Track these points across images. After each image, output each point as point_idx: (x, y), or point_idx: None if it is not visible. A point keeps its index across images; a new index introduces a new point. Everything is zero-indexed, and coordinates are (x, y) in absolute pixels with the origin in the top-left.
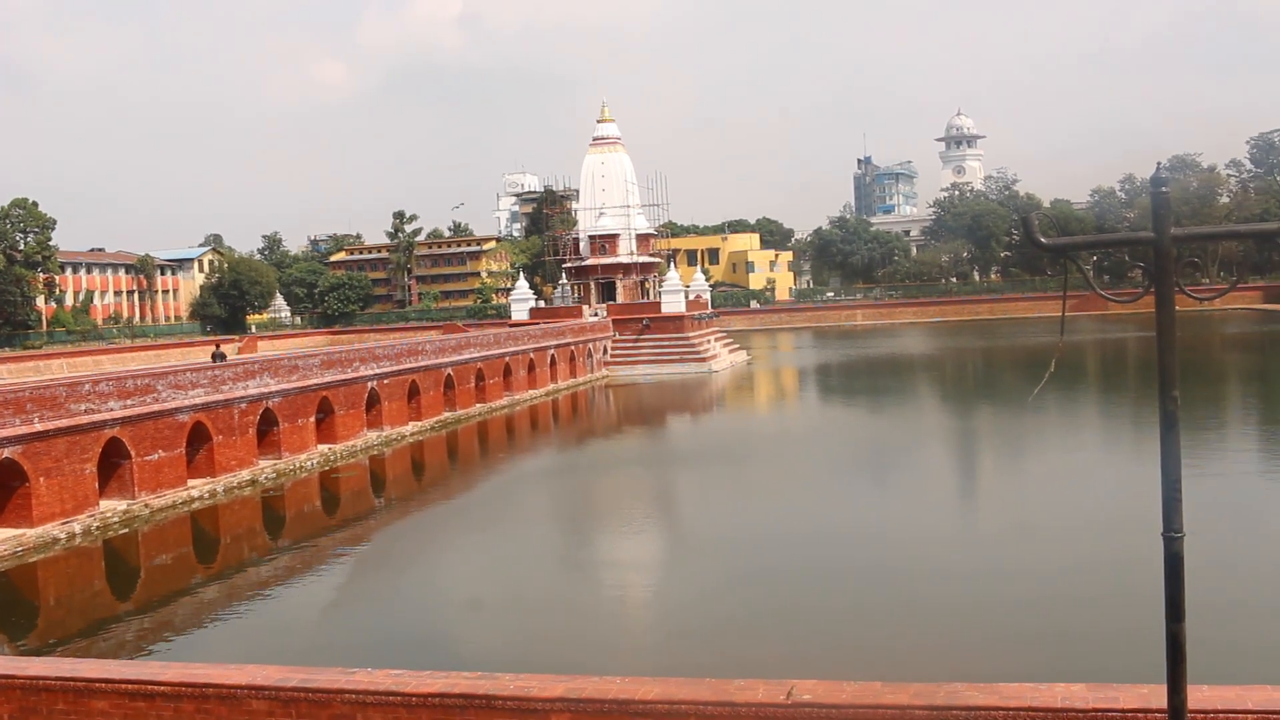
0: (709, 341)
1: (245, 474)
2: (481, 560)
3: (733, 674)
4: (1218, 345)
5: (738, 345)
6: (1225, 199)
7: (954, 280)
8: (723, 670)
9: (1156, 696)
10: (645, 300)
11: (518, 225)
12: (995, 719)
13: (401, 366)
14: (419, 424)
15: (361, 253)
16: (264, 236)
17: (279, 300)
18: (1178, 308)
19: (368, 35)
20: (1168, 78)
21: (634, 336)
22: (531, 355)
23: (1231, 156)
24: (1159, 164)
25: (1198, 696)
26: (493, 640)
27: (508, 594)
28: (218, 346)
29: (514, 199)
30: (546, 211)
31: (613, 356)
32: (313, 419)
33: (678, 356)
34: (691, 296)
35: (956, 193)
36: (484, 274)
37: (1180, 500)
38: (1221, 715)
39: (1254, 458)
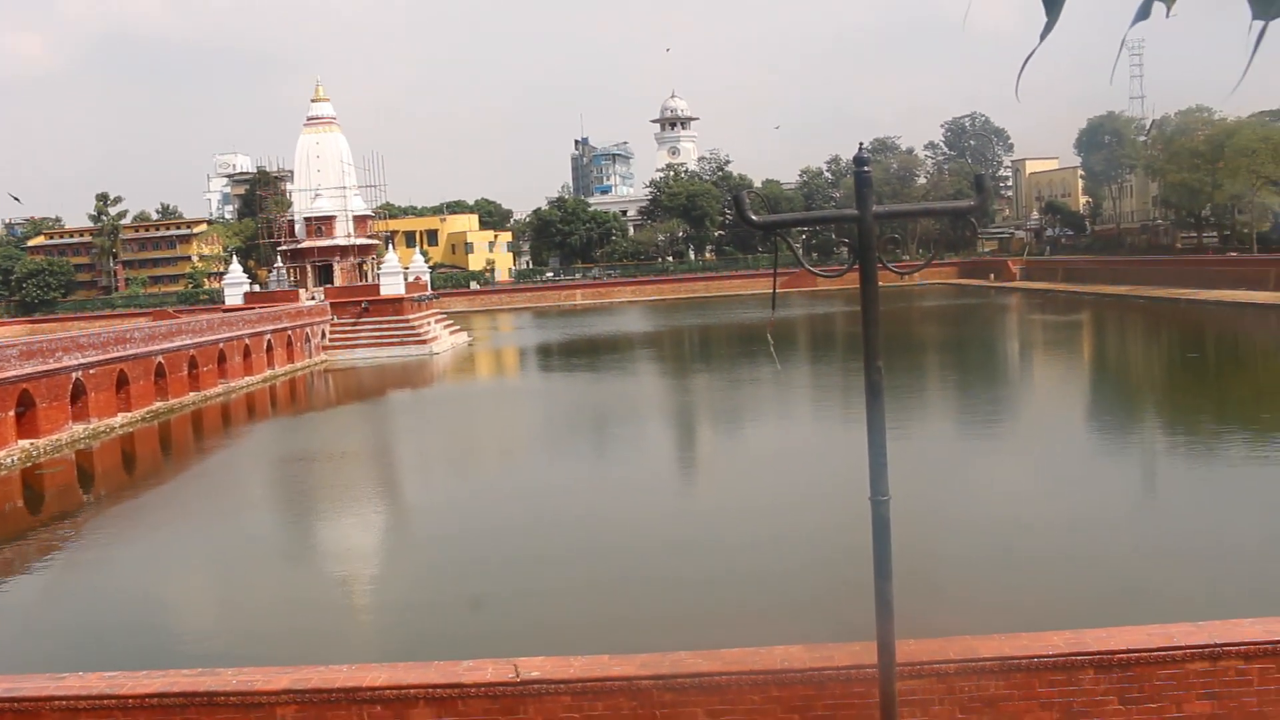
0: (429, 323)
1: None
2: (199, 553)
3: (460, 656)
4: (918, 318)
5: (459, 326)
6: (923, 179)
7: (670, 259)
8: (450, 653)
9: (868, 653)
10: (364, 283)
11: (230, 207)
12: (719, 684)
13: (109, 355)
14: (129, 415)
15: (62, 237)
16: None
17: None
18: (881, 283)
19: (67, 6)
20: (869, 66)
21: (353, 320)
22: (247, 341)
23: (928, 139)
24: (861, 145)
25: (905, 650)
26: (213, 636)
27: (228, 587)
28: None
29: (226, 180)
30: (260, 193)
31: (331, 341)
32: (12, 413)
33: (398, 339)
34: (411, 278)
35: (671, 173)
36: (195, 258)
37: (885, 465)
38: (927, 666)
39: (952, 422)
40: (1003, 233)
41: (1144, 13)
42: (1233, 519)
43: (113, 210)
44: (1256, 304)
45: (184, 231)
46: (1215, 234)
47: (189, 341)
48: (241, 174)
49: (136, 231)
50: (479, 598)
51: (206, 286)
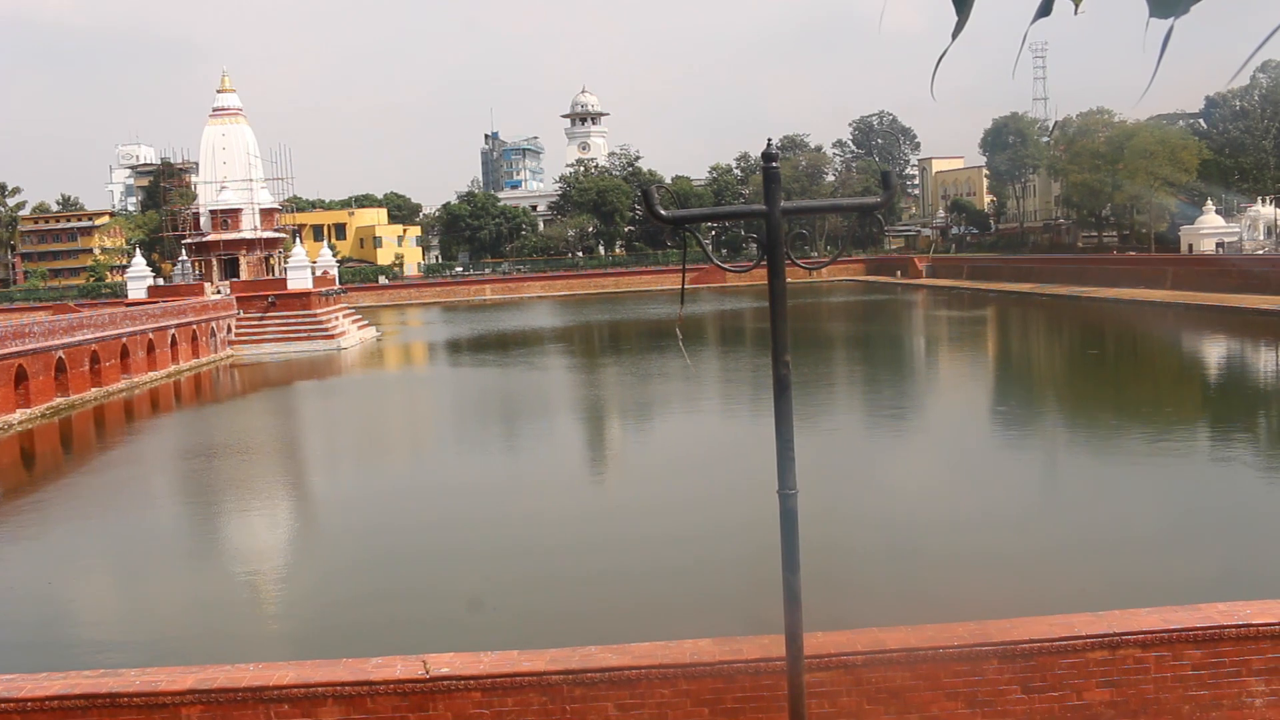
0: (337, 318)
1: None
2: (99, 551)
3: (370, 654)
4: (826, 314)
5: (367, 321)
6: (831, 177)
7: (580, 254)
8: (360, 651)
9: (777, 646)
10: (271, 277)
11: (133, 199)
12: (629, 678)
13: (6, 350)
14: (28, 411)
15: None
16: None
17: None
18: (789, 279)
19: None
20: (780, 64)
21: (259, 314)
22: (151, 335)
23: (837, 138)
24: (769, 141)
25: (813, 642)
26: (115, 636)
27: (130, 586)
28: None
29: (129, 172)
30: (164, 185)
31: (238, 335)
32: None
33: (305, 334)
34: (318, 273)
35: (581, 169)
36: (98, 251)
37: (793, 459)
38: (835, 658)
39: (860, 418)
40: (909, 230)
41: (1045, 10)
42: (1131, 511)
43: (10, 201)
44: (1154, 302)
45: (85, 224)
46: (1115, 233)
47: (91, 336)
48: (145, 165)
49: (36, 223)
50: (387, 593)
51: (109, 280)
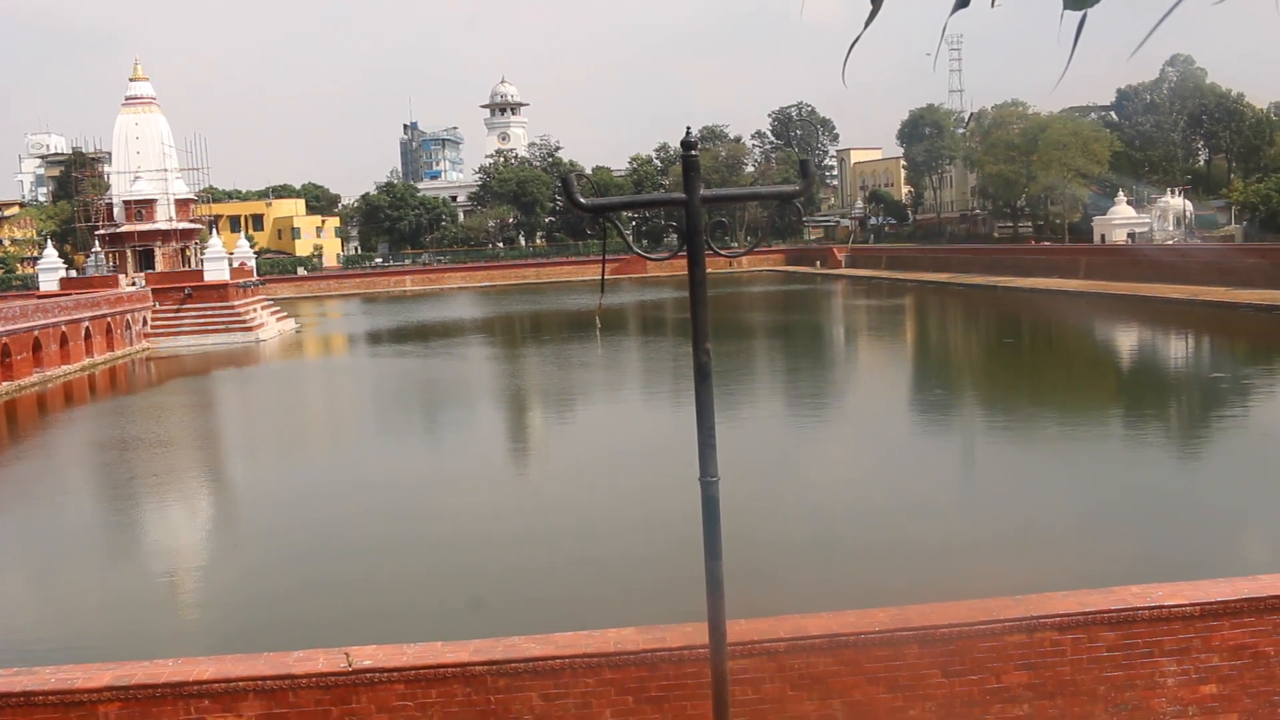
0: (256, 310)
1: None
2: (10, 547)
3: (292, 648)
4: (746, 304)
5: (286, 313)
6: (750, 168)
7: (501, 245)
8: (281, 646)
9: (700, 633)
10: (187, 269)
11: (44, 189)
12: (553, 668)
13: None
14: None
15: None
16: None
17: None
18: (710, 270)
19: None
20: (700, 55)
21: (176, 306)
22: (64, 328)
23: (756, 129)
24: (688, 129)
25: (736, 630)
26: (28, 635)
27: (43, 582)
28: None
29: (39, 162)
30: (76, 175)
31: (154, 328)
32: None
33: (223, 326)
34: (236, 264)
35: (501, 159)
36: (7, 242)
37: (714, 447)
38: (758, 645)
39: (780, 408)
40: (828, 221)
41: (963, 2)
42: (1047, 498)
43: None
44: (1068, 291)
45: None
46: (1030, 224)
47: (1, 329)
48: (56, 155)
49: None
50: (306, 588)
51: (19, 272)
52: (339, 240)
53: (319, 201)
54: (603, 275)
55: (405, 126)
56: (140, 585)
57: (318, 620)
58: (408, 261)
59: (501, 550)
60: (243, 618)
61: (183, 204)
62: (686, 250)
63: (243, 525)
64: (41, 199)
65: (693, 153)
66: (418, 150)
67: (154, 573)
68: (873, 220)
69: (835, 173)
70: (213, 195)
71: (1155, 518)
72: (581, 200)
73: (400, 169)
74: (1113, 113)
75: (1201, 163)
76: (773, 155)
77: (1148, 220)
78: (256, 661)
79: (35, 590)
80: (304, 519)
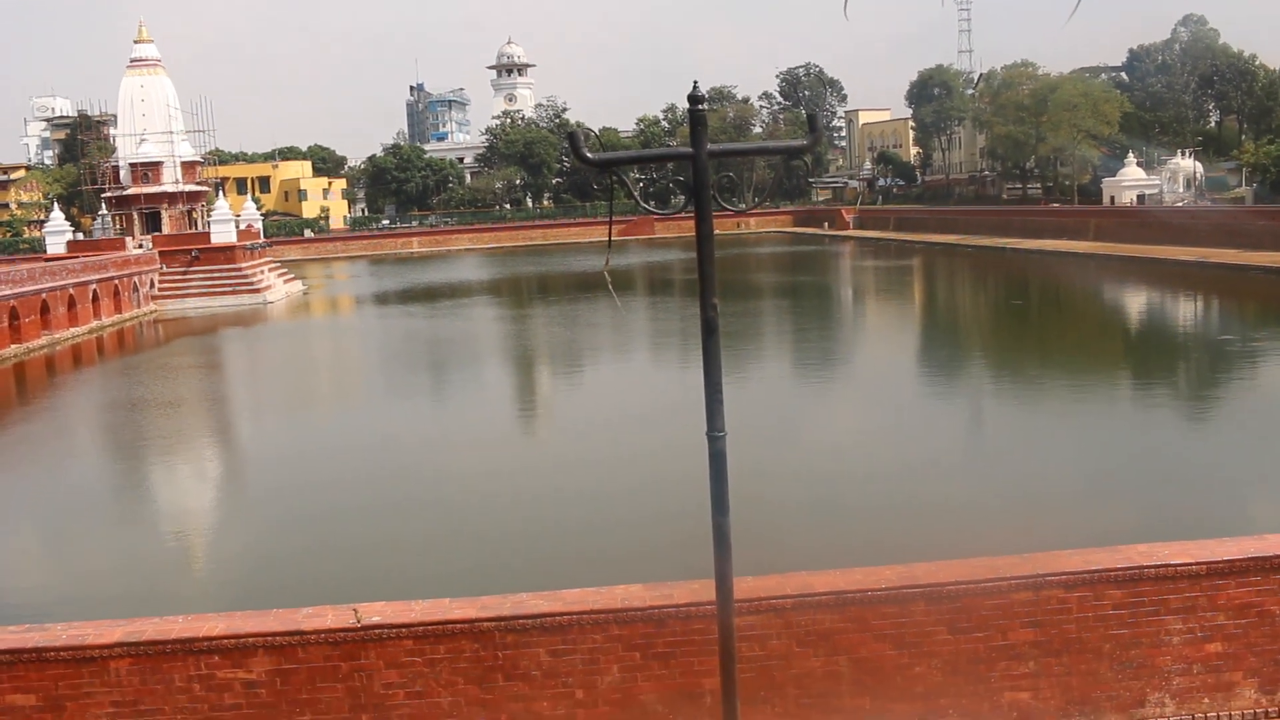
0: (263, 272)
1: None
2: (21, 506)
3: (300, 606)
4: (754, 265)
5: (293, 275)
6: (759, 129)
7: (508, 207)
8: (290, 604)
9: (707, 590)
10: (194, 231)
11: (50, 153)
12: (561, 624)
13: None
14: None
15: None
16: None
17: None
18: (717, 231)
19: None
20: (708, 15)
21: (183, 269)
22: (72, 291)
23: (764, 89)
24: (695, 83)
25: (743, 587)
26: (40, 593)
27: (54, 542)
28: None
29: (45, 124)
30: (82, 138)
31: (161, 290)
32: None
33: (230, 288)
34: (243, 226)
35: (508, 120)
36: (14, 205)
37: (721, 402)
38: (765, 602)
39: (789, 368)
40: (836, 182)
41: None
42: (1055, 459)
43: None
44: (1076, 253)
45: (0, 178)
46: (1039, 186)
47: (9, 292)
48: (61, 118)
49: None
50: (317, 548)
51: (26, 235)
52: (346, 202)
53: (325, 163)
54: (609, 233)
55: (411, 88)
56: (150, 545)
57: (326, 579)
58: (415, 223)
59: (509, 510)
60: (252, 577)
61: (189, 166)
62: (694, 206)
63: (251, 486)
64: (47, 162)
65: (700, 107)
66: (424, 112)
67: (163, 533)
68: (881, 182)
69: (843, 134)
70: (219, 157)
71: (1163, 479)
72: (588, 155)
73: (407, 131)
74: (1123, 73)
75: (1212, 124)
76: (780, 116)
77: (1157, 182)
78: (266, 618)
79: (47, 549)
80: (312, 479)
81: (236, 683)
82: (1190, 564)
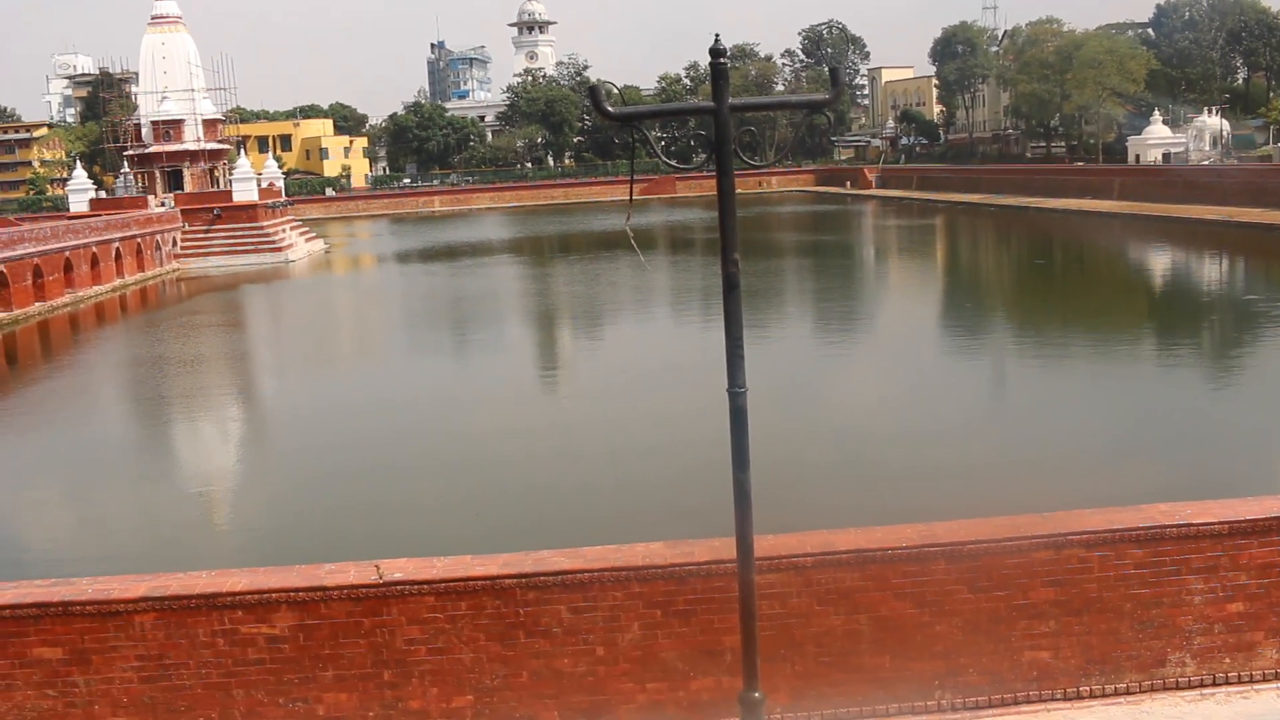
0: (284, 230)
1: None
2: (48, 464)
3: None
4: (776, 224)
5: (315, 234)
6: (781, 86)
7: (530, 165)
8: (312, 560)
9: (728, 548)
10: (215, 189)
11: (72, 111)
12: (582, 581)
13: None
14: None
15: None
16: None
17: None
18: (740, 190)
19: None
20: None
21: (205, 227)
22: (94, 249)
23: (786, 47)
24: (716, 35)
25: (763, 545)
26: (66, 548)
27: (80, 498)
28: None
29: (66, 82)
30: (104, 96)
31: (183, 249)
32: None
33: (252, 246)
34: (264, 185)
35: (530, 78)
36: (36, 163)
37: (742, 358)
38: (785, 560)
39: (811, 327)
40: (859, 141)
41: None
42: (1077, 419)
43: None
44: (1101, 212)
45: (23, 135)
46: (1063, 144)
47: (32, 250)
48: (83, 76)
49: None
50: (339, 507)
51: (49, 193)
52: (367, 161)
53: (347, 122)
54: (630, 189)
55: (432, 46)
56: (174, 502)
57: (349, 536)
58: (436, 182)
59: (530, 468)
60: (275, 534)
61: (210, 124)
62: (715, 161)
63: (274, 443)
64: (69, 120)
65: (721, 60)
66: (445, 70)
67: (187, 490)
68: (904, 140)
69: (866, 92)
70: (240, 115)
71: (1186, 439)
72: (610, 109)
73: (428, 89)
74: (1150, 30)
75: (1240, 81)
76: (803, 74)
77: (1183, 140)
78: (289, 574)
79: (72, 506)
80: (334, 437)
81: (260, 637)
82: (1212, 523)
